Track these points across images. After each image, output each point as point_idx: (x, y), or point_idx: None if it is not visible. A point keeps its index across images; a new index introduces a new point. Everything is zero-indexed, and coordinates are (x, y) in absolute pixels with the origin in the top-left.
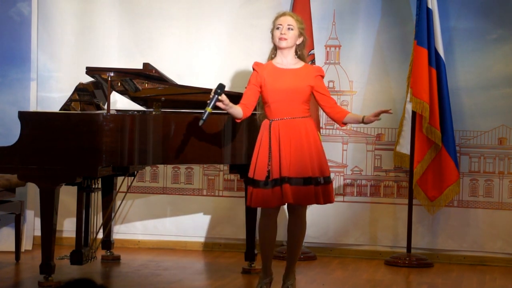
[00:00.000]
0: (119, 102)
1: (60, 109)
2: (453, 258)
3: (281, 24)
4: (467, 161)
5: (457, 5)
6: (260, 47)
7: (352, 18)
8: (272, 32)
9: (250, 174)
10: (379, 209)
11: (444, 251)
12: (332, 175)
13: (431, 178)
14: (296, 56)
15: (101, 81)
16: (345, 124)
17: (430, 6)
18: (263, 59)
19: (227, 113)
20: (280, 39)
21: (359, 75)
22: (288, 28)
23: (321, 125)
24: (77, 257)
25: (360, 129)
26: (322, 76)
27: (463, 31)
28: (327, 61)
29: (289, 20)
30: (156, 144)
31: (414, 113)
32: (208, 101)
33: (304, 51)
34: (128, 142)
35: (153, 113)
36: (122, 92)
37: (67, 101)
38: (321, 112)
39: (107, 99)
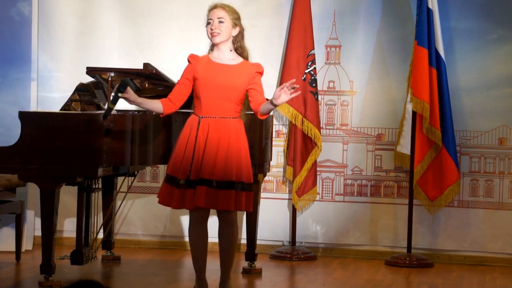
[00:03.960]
0: (119, 102)
1: (61, 109)
2: (453, 258)
3: (211, 19)
4: (468, 161)
5: (458, 5)
6: (260, 47)
7: (352, 18)
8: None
9: (170, 171)
10: (379, 209)
11: (444, 251)
12: (332, 175)
13: (431, 178)
14: (234, 50)
15: (101, 81)
16: (262, 114)
17: (430, 6)
18: (263, 58)
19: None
20: (212, 34)
21: (360, 75)
22: (219, 22)
23: (321, 125)
24: (77, 257)
25: (360, 129)
26: (261, 73)
27: (463, 31)
28: (327, 61)
29: (219, 13)
30: (156, 144)
31: (414, 113)
32: (110, 97)
33: (242, 43)
34: (128, 142)
35: (153, 113)
36: None
37: (67, 101)
38: (321, 112)
39: (107, 99)
